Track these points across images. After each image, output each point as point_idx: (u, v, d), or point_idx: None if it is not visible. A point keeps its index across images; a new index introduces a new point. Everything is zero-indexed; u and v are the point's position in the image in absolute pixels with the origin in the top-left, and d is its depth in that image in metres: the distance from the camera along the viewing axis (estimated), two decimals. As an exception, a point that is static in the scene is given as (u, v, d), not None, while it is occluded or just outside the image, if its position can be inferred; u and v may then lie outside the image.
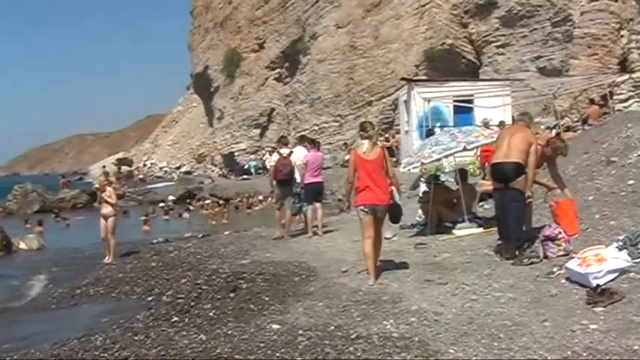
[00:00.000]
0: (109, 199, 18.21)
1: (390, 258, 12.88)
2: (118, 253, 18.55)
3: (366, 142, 11.24)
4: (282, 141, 19.61)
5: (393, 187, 11.16)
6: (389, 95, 49.09)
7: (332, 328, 8.62)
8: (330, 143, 50.27)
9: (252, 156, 58.64)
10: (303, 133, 47.84)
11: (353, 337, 8.13)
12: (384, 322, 8.61)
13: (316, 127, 53.23)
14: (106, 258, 18.17)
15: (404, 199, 20.94)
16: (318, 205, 18.09)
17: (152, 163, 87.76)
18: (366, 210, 11.02)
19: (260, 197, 38.00)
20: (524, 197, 11.29)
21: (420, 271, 11.41)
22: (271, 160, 19.21)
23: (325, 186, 20.24)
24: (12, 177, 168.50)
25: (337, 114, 52.21)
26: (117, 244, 18.71)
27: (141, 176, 71.29)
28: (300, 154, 18.25)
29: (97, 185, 19.87)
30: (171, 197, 41.92)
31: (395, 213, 11.39)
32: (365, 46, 51.07)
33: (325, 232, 18.05)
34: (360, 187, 11.10)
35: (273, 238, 18.20)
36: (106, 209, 18.27)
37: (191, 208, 37.99)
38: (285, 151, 18.39)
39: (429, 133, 23.22)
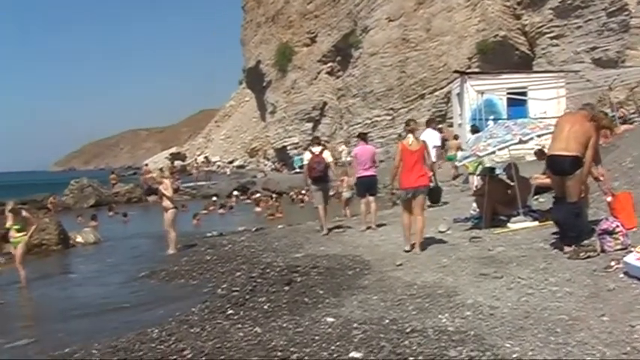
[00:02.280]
0: (165, 192, 18.47)
1: (444, 251, 12.84)
2: (182, 246, 18.84)
3: (410, 135, 13.50)
4: (315, 140, 20.18)
5: (431, 173, 13.70)
6: (441, 88, 48.91)
7: (387, 321, 8.61)
8: (383, 137, 50.18)
9: (295, 151, 58.72)
10: (354, 129, 47.99)
11: (408, 330, 8.11)
12: (439, 316, 8.58)
13: (368, 121, 53.16)
14: (169, 249, 18.47)
15: (457, 193, 20.97)
16: (371, 198, 18.10)
17: (205, 157, 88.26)
18: (408, 192, 13.23)
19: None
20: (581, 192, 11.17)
21: (474, 265, 11.34)
22: (304, 159, 19.39)
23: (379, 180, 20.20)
24: (68, 172, 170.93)
25: (389, 107, 52.06)
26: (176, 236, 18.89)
27: (206, 168, 71.61)
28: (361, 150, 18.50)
29: (155, 178, 20.22)
30: (235, 192, 42.03)
31: (434, 194, 14.03)
32: (417, 39, 50.86)
33: (379, 226, 18.03)
34: (404, 173, 13.28)
35: (323, 235, 18.23)
36: (165, 202, 18.56)
37: (248, 200, 38.18)
38: (316, 149, 18.68)
39: (474, 130, 23.07)
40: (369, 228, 17.68)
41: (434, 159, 18.40)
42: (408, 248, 13.30)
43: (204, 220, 28.89)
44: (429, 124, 21.75)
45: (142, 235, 24.88)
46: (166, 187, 18.65)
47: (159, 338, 9.20)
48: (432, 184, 13.74)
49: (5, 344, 10.43)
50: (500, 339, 7.44)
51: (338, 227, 18.93)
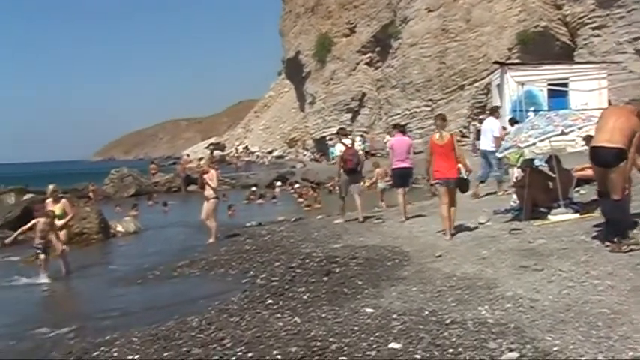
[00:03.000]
0: (210, 182, 18.58)
1: (484, 243, 12.80)
2: (221, 235, 18.91)
3: (438, 130, 14.49)
4: (342, 132, 20.46)
5: (460, 165, 14.19)
6: (481, 79, 48.55)
7: (426, 312, 8.62)
8: (422, 128, 49.94)
9: (331, 142, 58.65)
10: (393, 120, 47.89)
11: (447, 322, 8.11)
12: (479, 308, 8.57)
13: (407, 112, 52.97)
14: (210, 239, 18.57)
15: (496, 186, 20.86)
16: (401, 190, 18.41)
17: (244, 147, 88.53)
18: (441, 183, 14.17)
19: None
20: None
21: (514, 257, 11.28)
22: (337, 151, 19.78)
23: (415, 171, 20.23)
24: (108, 162, 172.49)
25: (429, 98, 51.80)
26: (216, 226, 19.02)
27: (246, 158, 71.79)
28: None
29: (200, 167, 20.37)
30: (278, 184, 42.08)
31: (462, 185, 14.46)
32: (457, 30, 50.52)
33: (416, 217, 18.04)
34: (435, 166, 14.22)
35: (335, 222, 18.92)
36: (208, 192, 18.66)
37: (292, 192, 38.24)
38: (347, 141, 19.29)
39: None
40: (407, 219, 17.70)
41: (494, 148, 19.19)
42: (447, 238, 14.03)
43: (243, 211, 29.01)
44: (493, 112, 21.65)
45: (182, 224, 25.04)
46: (212, 177, 18.79)
47: (198, 327, 9.29)
48: (461, 175, 14.26)
49: (48, 333, 10.59)
50: (541, 332, 7.41)
51: (377, 218, 18.93)
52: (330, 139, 57.04)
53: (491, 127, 19.44)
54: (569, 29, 46.57)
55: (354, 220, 18.89)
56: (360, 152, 18.89)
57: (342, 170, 18.99)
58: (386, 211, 20.80)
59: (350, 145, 19.14)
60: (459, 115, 49.36)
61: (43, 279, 15.38)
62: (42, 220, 16.15)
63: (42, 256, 15.57)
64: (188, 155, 76.25)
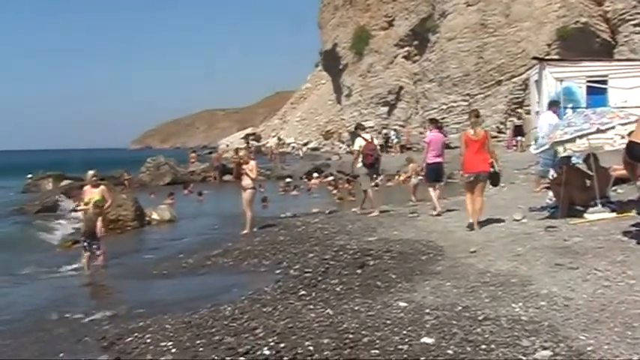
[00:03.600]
0: (250, 173, 18.62)
1: (519, 240, 12.73)
2: (255, 226, 18.92)
3: (473, 125, 14.94)
4: (361, 127, 21.33)
5: (492, 160, 14.73)
6: (519, 75, 48.27)
7: (459, 308, 8.59)
8: (459, 122, 49.71)
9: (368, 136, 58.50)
10: (429, 114, 47.71)
11: (480, 318, 8.08)
12: (513, 305, 8.52)
13: (444, 106, 52.80)
14: (245, 230, 18.64)
15: (532, 183, 20.73)
16: (436, 185, 18.51)
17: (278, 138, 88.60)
18: (471, 176, 14.68)
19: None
20: None
21: (549, 255, 11.20)
22: (356, 145, 19.97)
23: (452, 166, 20.24)
24: (145, 150, 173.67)
25: (466, 93, 51.62)
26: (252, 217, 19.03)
27: (280, 149, 71.87)
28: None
29: (238, 158, 20.40)
30: (315, 175, 42.07)
31: (494, 178, 15.18)
32: (495, 25, 50.26)
33: (451, 211, 18.03)
34: (467, 159, 14.71)
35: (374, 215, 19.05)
36: (245, 181, 18.70)
37: (329, 186, 38.26)
38: (367, 136, 20.09)
39: (554, 103, 22.76)
40: (439, 215, 17.72)
41: None
42: (476, 227, 14.58)
43: (278, 202, 29.08)
44: (551, 106, 21.53)
45: (217, 213, 25.18)
46: (252, 167, 18.81)
47: (231, 316, 9.33)
48: (492, 170, 14.83)
49: (82, 318, 10.70)
50: (575, 331, 7.36)
51: (411, 212, 18.90)
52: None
53: (548, 121, 19.27)
54: (609, 25, 46.13)
55: (368, 213, 19.26)
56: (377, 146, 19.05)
57: (361, 164, 19.54)
58: (420, 205, 20.72)
59: (370, 140, 19.81)
60: (495, 110, 49.15)
61: (81, 267, 15.57)
62: (90, 209, 16.26)
63: (86, 254, 15.63)
64: (228, 145, 76.55)
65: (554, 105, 21.02)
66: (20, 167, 63.31)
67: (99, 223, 16.18)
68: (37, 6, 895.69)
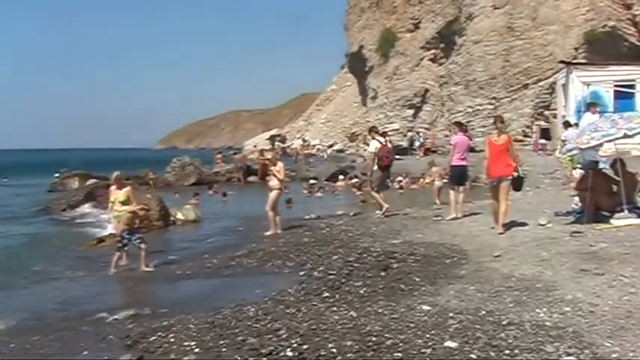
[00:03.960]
0: (277, 174, 18.66)
1: (544, 245, 12.68)
2: (282, 227, 18.91)
3: (496, 131, 15.18)
4: (374, 130, 21.30)
5: (515, 164, 14.81)
6: (546, 78, 47.99)
7: (483, 312, 8.58)
8: (484, 126, 49.44)
9: (396, 138, 58.33)
10: (455, 117, 47.58)
11: (504, 323, 8.06)
12: (537, 310, 8.50)
13: (470, 110, 52.57)
14: (270, 230, 18.66)
15: (558, 188, 20.64)
16: (461, 188, 18.38)
17: (303, 139, 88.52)
18: (494, 181, 14.97)
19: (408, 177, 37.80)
20: None
21: (575, 260, 11.15)
22: (372, 147, 20.03)
23: (477, 170, 20.22)
24: (170, 150, 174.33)
25: (492, 96, 51.37)
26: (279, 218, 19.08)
27: (305, 151, 71.77)
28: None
29: (267, 158, 20.53)
30: (341, 177, 42.01)
31: (517, 183, 15.07)
32: (522, 28, 49.98)
33: (475, 215, 17.99)
34: (491, 164, 14.96)
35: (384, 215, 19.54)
36: (272, 182, 18.74)
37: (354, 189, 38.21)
38: (382, 139, 20.27)
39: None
40: (457, 218, 17.76)
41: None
42: (500, 231, 14.66)
43: (303, 203, 29.10)
44: (589, 107, 21.43)
45: (241, 214, 25.22)
46: (279, 169, 18.86)
47: (255, 317, 9.35)
48: (515, 174, 14.85)
49: (107, 317, 10.76)
50: (600, 337, 7.33)
51: (435, 215, 18.85)
52: (392, 135, 56.95)
53: (589, 122, 19.19)
54: (638, 29, 45.81)
55: (335, 219, 19.83)
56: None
57: (377, 167, 19.73)
58: (445, 208, 20.67)
59: (384, 143, 20.10)
60: (522, 114, 48.91)
61: (106, 265, 15.62)
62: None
63: (120, 253, 15.51)
64: (255, 146, 76.62)
65: (593, 106, 20.91)
66: (47, 165, 63.85)
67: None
68: (70, 6, 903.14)
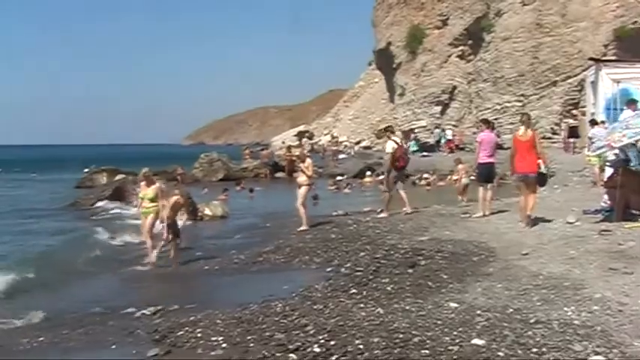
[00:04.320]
0: (306, 170, 18.70)
1: (572, 243, 12.61)
2: (309, 223, 18.89)
3: (522, 127, 15.69)
4: (390, 129, 21.51)
5: (540, 161, 15.18)
6: (575, 76, 47.54)
7: (511, 310, 8.56)
8: (512, 123, 49.07)
9: (424, 135, 58.15)
10: (483, 114, 47.37)
11: (532, 321, 8.04)
12: (565, 309, 8.46)
13: (498, 107, 52.26)
14: (302, 226, 18.64)
15: (587, 186, 20.51)
16: (489, 185, 18.20)
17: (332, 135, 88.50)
18: (520, 176, 15.38)
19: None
20: None
21: (603, 259, 11.09)
22: (389, 148, 20.02)
23: (505, 167, 20.12)
24: (198, 146, 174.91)
25: (520, 93, 51.02)
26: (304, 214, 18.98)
27: (334, 147, 71.69)
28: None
29: (296, 155, 20.68)
30: (368, 174, 42.04)
31: (541, 179, 15.60)
32: (551, 24, 49.59)
33: (503, 213, 17.91)
34: (517, 160, 15.32)
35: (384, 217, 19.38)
36: (301, 178, 18.78)
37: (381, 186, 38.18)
38: (397, 139, 20.68)
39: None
40: (484, 215, 17.65)
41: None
42: (523, 225, 15.16)
43: (330, 199, 29.15)
44: (630, 105, 21.33)
45: (268, 210, 25.31)
46: (308, 165, 18.92)
47: (282, 312, 9.40)
48: (540, 170, 15.25)
49: (134, 312, 10.85)
50: (629, 337, 7.29)
51: (463, 213, 18.79)
52: (419, 132, 56.87)
53: (619, 120, 19.06)
54: (669, 26, 45.31)
55: (399, 213, 19.48)
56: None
57: (392, 167, 19.76)
58: (472, 205, 20.61)
59: (400, 144, 20.34)
60: (550, 111, 48.57)
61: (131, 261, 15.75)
62: (179, 199, 16.32)
63: (171, 242, 15.51)
64: (283, 142, 76.76)
65: (633, 103, 20.71)
66: (74, 161, 64.44)
67: (147, 221, 16.30)
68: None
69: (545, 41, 49.61)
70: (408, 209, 19.70)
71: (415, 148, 53.99)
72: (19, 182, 52.56)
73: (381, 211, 20.00)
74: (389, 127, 22.66)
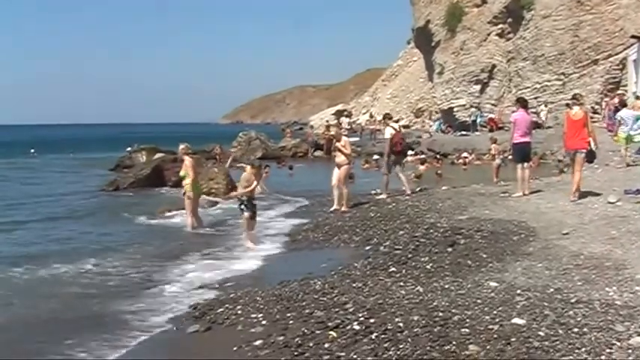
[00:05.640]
0: (343, 149, 18.67)
1: (613, 223, 12.50)
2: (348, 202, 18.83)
3: (576, 107, 16.30)
4: (388, 116, 22.55)
5: (590, 138, 15.87)
6: (616, 54, 46.90)
7: (551, 290, 8.53)
8: (552, 102, 48.75)
9: (463, 114, 57.83)
10: (522, 93, 46.95)
11: (573, 301, 8.01)
12: (607, 289, 8.42)
13: (538, 86, 51.74)
14: (335, 206, 18.61)
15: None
16: (525, 165, 17.99)
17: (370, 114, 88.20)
18: (571, 152, 16.21)
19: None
20: None
21: (646, 239, 10.99)
22: (387, 134, 20.65)
23: (545, 146, 19.99)
24: (236, 125, 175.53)
25: (560, 72, 50.44)
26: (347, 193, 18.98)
27: (372, 127, 71.44)
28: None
29: (332, 134, 20.84)
30: (410, 152, 41.93)
31: (590, 156, 16.20)
32: (592, 2, 48.88)
33: (542, 192, 17.82)
34: (568, 137, 16.17)
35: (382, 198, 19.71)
36: (339, 158, 18.74)
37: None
38: (396, 126, 21.62)
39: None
40: (524, 195, 17.48)
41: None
42: (572, 198, 15.70)
43: (367, 177, 29.09)
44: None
45: (307, 188, 25.34)
46: (345, 144, 18.91)
47: (322, 290, 9.49)
48: (590, 147, 15.87)
49: (175, 289, 10.97)
50: (672, 318, 7.23)
51: (503, 192, 18.64)
52: (458, 110, 56.57)
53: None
54: None
55: (400, 195, 19.76)
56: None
57: (391, 152, 20.21)
58: (512, 184, 20.49)
59: (398, 130, 21.07)
60: (591, 90, 47.94)
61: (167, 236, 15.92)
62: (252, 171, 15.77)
63: (246, 214, 15.18)
64: (327, 121, 76.78)
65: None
66: (114, 141, 64.94)
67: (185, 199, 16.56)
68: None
69: (586, 19, 48.94)
70: (407, 191, 20.33)
71: (437, 128, 54.04)
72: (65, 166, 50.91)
73: (381, 193, 20.40)
74: (387, 114, 23.45)
